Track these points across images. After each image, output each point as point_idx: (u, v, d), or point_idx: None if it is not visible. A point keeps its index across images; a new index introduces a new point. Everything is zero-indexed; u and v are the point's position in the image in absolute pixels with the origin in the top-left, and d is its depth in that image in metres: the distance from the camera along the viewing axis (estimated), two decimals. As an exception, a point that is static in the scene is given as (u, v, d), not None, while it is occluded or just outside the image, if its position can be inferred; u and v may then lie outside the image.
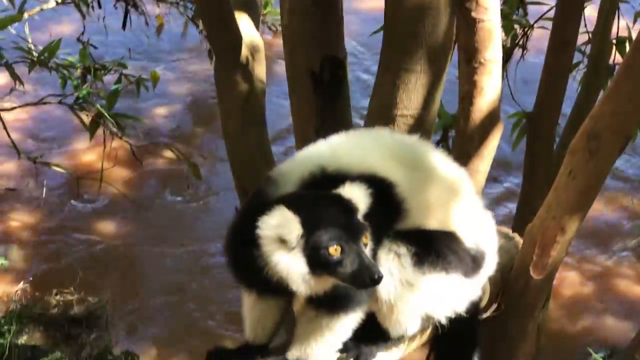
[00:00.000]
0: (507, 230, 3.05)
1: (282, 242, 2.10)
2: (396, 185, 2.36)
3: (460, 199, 2.50)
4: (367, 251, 2.19)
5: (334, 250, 2.09)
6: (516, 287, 2.77)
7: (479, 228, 2.54)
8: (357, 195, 2.20)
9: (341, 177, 2.29)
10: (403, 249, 2.35)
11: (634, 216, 8.26)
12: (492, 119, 3.00)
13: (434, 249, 2.39)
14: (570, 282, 7.38)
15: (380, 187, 2.33)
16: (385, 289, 2.35)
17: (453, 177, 2.54)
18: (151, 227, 7.87)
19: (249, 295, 2.45)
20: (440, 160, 2.54)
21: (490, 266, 2.60)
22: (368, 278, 2.12)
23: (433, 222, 2.41)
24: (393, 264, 2.34)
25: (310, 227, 2.10)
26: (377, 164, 2.39)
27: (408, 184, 2.38)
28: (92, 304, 6.47)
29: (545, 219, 2.62)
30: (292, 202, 2.15)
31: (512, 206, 6.92)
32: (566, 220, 2.58)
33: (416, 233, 2.38)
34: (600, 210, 8.15)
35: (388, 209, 2.36)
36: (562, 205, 2.56)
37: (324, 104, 3.25)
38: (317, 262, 2.11)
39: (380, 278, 2.12)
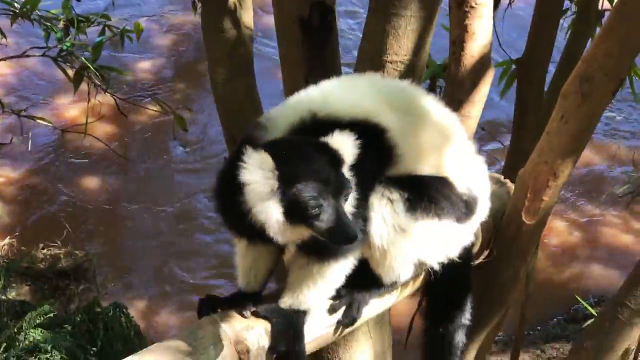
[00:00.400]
0: (499, 176, 3.04)
1: (262, 189, 2.08)
2: (388, 130, 2.33)
3: (453, 144, 2.48)
4: (348, 205, 2.17)
5: (312, 205, 2.07)
6: (508, 233, 2.77)
7: (471, 173, 2.53)
8: (345, 146, 2.17)
9: (332, 123, 2.27)
10: (395, 195, 2.33)
11: (622, 164, 8.29)
12: (483, 63, 2.97)
13: (427, 194, 2.37)
14: (557, 231, 7.41)
15: (373, 133, 2.30)
16: (378, 235, 2.34)
17: (445, 122, 2.52)
18: (136, 181, 7.85)
19: (239, 243, 2.44)
20: (432, 105, 2.52)
21: (482, 211, 2.59)
22: (344, 236, 2.10)
23: (426, 167, 2.40)
24: (386, 210, 2.32)
25: (289, 178, 2.07)
26: (369, 109, 2.36)
27: (400, 129, 2.35)
28: (79, 257, 6.46)
29: (538, 164, 2.60)
30: (275, 149, 2.11)
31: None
32: (558, 164, 2.57)
33: (409, 179, 2.36)
34: (588, 158, 8.18)
35: (380, 154, 2.33)
36: (555, 149, 2.54)
37: (312, 50, 3.21)
38: (294, 214, 2.09)
39: (355, 237, 2.10)
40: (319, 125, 2.26)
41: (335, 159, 2.14)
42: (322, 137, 2.18)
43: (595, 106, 2.45)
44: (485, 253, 2.84)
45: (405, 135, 2.36)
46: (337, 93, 2.46)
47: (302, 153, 2.14)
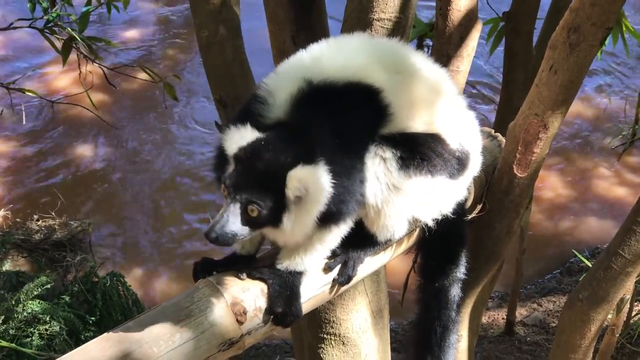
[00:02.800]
0: (490, 129, 3.04)
1: None
2: (381, 90, 2.33)
3: (444, 100, 2.48)
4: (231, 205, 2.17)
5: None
6: (500, 186, 2.77)
7: (463, 128, 2.53)
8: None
9: (329, 89, 2.29)
10: (388, 153, 2.34)
11: (612, 117, 8.30)
12: (470, 17, 2.97)
13: (419, 151, 2.38)
14: (550, 185, 7.44)
15: (367, 94, 2.31)
16: (372, 194, 2.34)
17: (435, 79, 2.52)
18: (129, 149, 7.85)
19: None
20: (421, 62, 2.52)
21: (475, 166, 2.59)
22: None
23: (418, 125, 2.40)
24: (379, 169, 2.33)
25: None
26: (360, 70, 2.36)
27: (392, 87, 2.35)
28: (74, 228, 6.48)
29: (528, 116, 2.60)
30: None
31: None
32: (548, 116, 2.57)
33: (401, 137, 2.36)
34: (578, 111, 8.19)
35: (374, 115, 2.34)
36: (544, 101, 2.54)
37: (299, 10, 3.20)
38: None
39: (209, 238, 2.15)
40: (316, 93, 2.28)
41: None
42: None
43: (584, 56, 2.44)
44: (478, 207, 2.84)
45: (397, 94, 2.36)
46: (329, 57, 2.45)
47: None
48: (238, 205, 2.14)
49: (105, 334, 2.10)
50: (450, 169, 2.45)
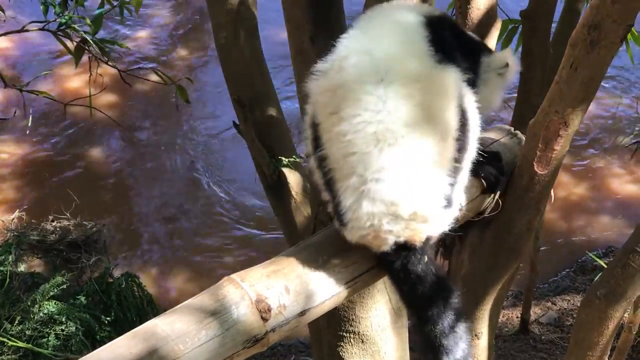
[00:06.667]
0: (509, 127, 3.04)
1: None
2: None
3: None
4: None
5: None
6: (521, 183, 2.77)
7: None
8: None
9: None
10: None
11: (624, 114, 8.29)
12: (490, 16, 2.98)
13: None
14: (563, 183, 7.43)
15: None
16: None
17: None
18: (142, 150, 7.87)
19: None
20: None
21: None
22: None
23: None
24: None
25: None
26: None
27: None
28: (88, 229, 6.50)
29: (548, 113, 2.61)
30: None
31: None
32: (569, 113, 2.57)
33: None
34: (591, 108, 8.19)
35: None
36: (565, 98, 2.55)
37: (317, 10, 3.21)
38: None
39: None
40: None
41: None
42: None
43: (605, 53, 2.44)
44: (491, 206, 2.85)
45: None
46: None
47: None
48: None
49: (132, 331, 2.12)
50: None
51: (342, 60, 2.43)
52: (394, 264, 2.43)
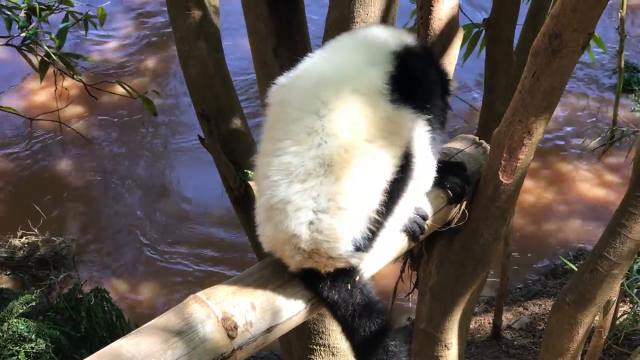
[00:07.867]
0: (474, 137, 3.04)
1: None
2: None
3: None
4: None
5: None
6: (486, 193, 2.77)
7: None
8: None
9: None
10: None
11: (591, 117, 8.34)
12: (452, 26, 2.97)
13: None
14: (532, 188, 7.46)
15: None
16: None
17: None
18: (110, 164, 7.83)
19: None
20: None
21: None
22: None
23: None
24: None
25: None
26: None
27: None
28: (57, 244, 6.45)
29: (512, 123, 2.61)
30: None
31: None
32: (532, 122, 2.58)
33: None
34: (554, 113, 8.22)
35: None
36: (528, 107, 2.55)
37: (280, 22, 3.20)
38: None
39: None
40: None
41: None
42: None
43: (566, 62, 2.45)
44: (457, 216, 2.85)
45: None
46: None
47: None
48: None
49: (97, 353, 2.09)
50: None
51: (295, 79, 2.42)
52: (315, 285, 2.41)
